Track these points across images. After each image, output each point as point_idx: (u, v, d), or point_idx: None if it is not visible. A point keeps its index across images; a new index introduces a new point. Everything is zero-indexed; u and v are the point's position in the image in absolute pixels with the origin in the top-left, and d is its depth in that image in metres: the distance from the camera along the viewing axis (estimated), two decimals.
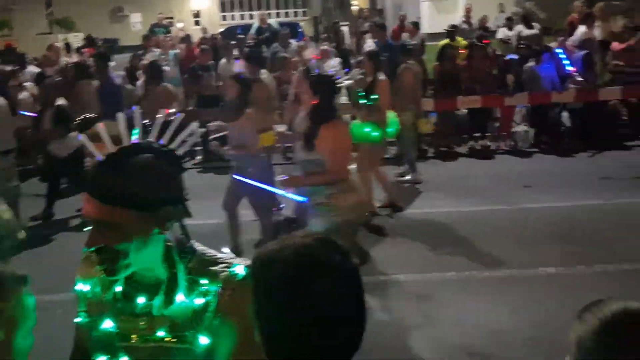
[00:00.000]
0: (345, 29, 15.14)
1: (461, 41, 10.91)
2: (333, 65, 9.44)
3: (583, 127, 9.22)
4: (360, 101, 6.53)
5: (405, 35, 11.43)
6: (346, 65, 9.74)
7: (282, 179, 4.42)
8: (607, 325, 1.16)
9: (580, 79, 8.99)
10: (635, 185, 7.13)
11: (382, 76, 6.58)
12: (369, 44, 9.61)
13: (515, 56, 9.71)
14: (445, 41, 10.71)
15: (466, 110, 9.40)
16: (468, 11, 13.42)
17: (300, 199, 4.24)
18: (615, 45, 9.67)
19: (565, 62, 9.14)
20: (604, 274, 4.96)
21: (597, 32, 10.48)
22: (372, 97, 6.41)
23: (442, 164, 8.78)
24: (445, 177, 7.99)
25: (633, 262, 5.08)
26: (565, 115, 9.46)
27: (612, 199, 6.64)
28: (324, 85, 4.42)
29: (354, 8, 27.03)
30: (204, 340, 1.46)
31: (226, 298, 1.46)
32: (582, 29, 10.38)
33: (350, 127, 5.42)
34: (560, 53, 9.21)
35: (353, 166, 4.43)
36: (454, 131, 9.49)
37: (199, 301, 1.47)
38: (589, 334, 1.17)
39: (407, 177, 7.85)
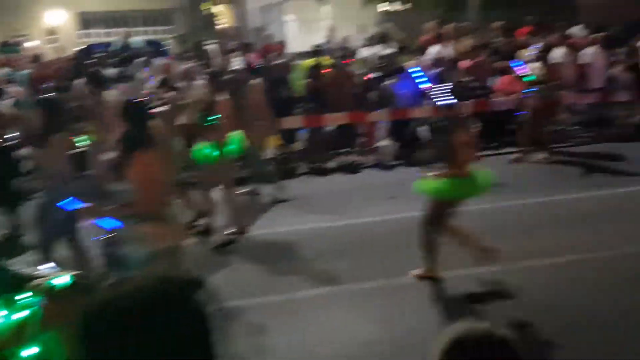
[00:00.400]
0: (213, 48, 14.98)
1: (326, 60, 11.22)
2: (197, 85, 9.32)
3: None
4: (203, 122, 6.50)
5: (272, 55, 11.54)
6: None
7: (79, 207, 4.18)
8: (453, 345, 1.22)
9: (433, 94, 9.61)
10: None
11: (222, 96, 6.58)
12: (236, 63, 9.59)
13: (375, 74, 10.17)
14: (312, 60, 10.96)
15: (335, 127, 9.71)
16: (331, 31, 13.87)
17: (109, 228, 4.04)
18: (464, 63, 10.48)
19: (422, 79, 9.73)
20: (465, 278, 5.29)
21: (449, 51, 11.29)
22: (212, 117, 6.41)
23: (312, 180, 8.95)
24: (314, 192, 8.16)
25: (486, 265, 5.46)
26: (423, 129, 10.06)
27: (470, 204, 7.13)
28: (134, 112, 4.29)
29: (222, 27, 26.96)
30: (31, 351, 1.47)
31: (50, 308, 1.48)
32: (435, 48, 11.14)
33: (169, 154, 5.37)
34: (418, 71, 9.79)
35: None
36: (324, 147, 9.74)
37: (20, 315, 1.49)
38: (440, 353, 1.22)
39: (258, 194, 8.01)
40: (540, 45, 9.31)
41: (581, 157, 9.20)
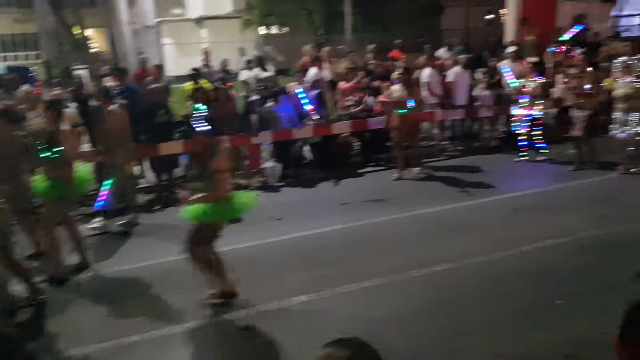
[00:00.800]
0: (83, 73, 14.31)
1: (204, 83, 11.09)
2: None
3: (322, 158, 10.12)
4: (42, 154, 6.01)
5: (149, 79, 11.21)
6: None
7: None
8: None
9: (316, 116, 9.87)
10: (368, 207, 8.01)
11: (66, 125, 6.18)
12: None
13: (256, 97, 10.20)
14: (190, 84, 10.78)
15: None
16: (207, 54, 13.76)
17: None
18: (342, 85, 10.82)
19: (304, 100, 9.92)
20: (351, 294, 5.40)
21: (326, 73, 11.61)
22: (55, 149, 5.95)
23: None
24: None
25: (372, 278, 5.63)
26: (306, 149, 10.27)
27: (352, 221, 7.34)
28: None
29: (93, 51, 25.82)
30: None
31: None
32: (313, 71, 11.40)
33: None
34: (300, 92, 9.96)
35: None
36: None
37: None
38: None
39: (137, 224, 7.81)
40: (401, 67, 9.83)
41: (452, 170, 9.79)
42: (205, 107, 8.73)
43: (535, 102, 10.04)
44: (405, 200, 8.24)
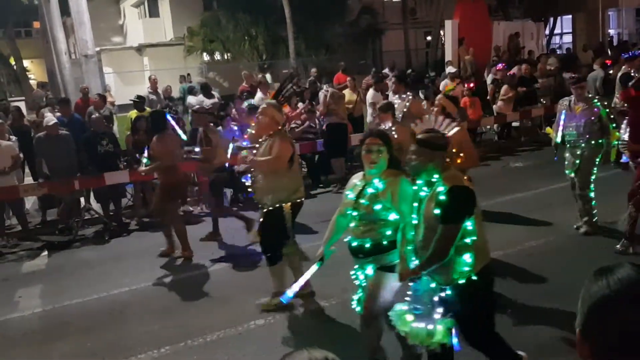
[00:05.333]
0: (21, 105, 13.89)
1: (149, 111, 10.93)
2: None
3: None
4: None
5: (91, 109, 10.97)
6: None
7: None
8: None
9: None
10: (323, 228, 7.97)
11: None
12: (49, 119, 8.92)
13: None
14: (134, 112, 10.61)
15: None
16: (153, 82, 13.58)
17: None
18: (287, 108, 10.87)
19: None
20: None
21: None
22: None
23: (144, 235, 8.57)
24: (142, 250, 7.78)
25: (329, 299, 5.59)
26: None
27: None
28: None
29: (32, 82, 25.11)
30: None
31: None
32: (259, 95, 11.43)
33: None
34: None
35: None
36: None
37: None
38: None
39: None
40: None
41: None
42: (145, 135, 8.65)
43: None
44: None
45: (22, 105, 13.61)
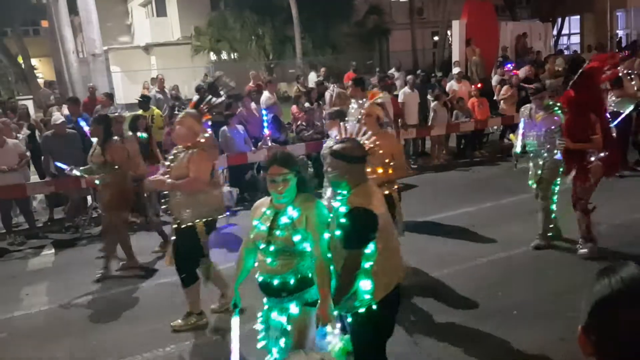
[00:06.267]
0: (29, 103, 13.97)
1: (155, 110, 10.97)
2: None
3: None
4: None
5: (98, 107, 11.01)
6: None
7: None
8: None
9: (269, 140, 9.86)
10: None
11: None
12: (57, 117, 8.96)
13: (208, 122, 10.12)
14: (139, 112, 10.64)
15: None
16: (160, 81, 13.61)
17: None
18: (294, 109, 10.88)
19: (264, 124, 9.93)
20: None
21: (275, 98, 11.65)
22: None
23: (150, 234, 8.57)
24: (149, 247, 7.79)
25: None
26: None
27: None
28: None
29: (40, 81, 25.21)
30: None
31: None
32: (266, 94, 11.43)
33: None
34: (265, 114, 9.96)
35: None
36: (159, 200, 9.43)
37: None
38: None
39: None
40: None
41: (407, 188, 9.92)
42: (145, 135, 8.67)
43: None
44: None
45: (30, 104, 13.68)
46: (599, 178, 6.00)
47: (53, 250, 8.14)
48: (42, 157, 9.15)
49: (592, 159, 5.91)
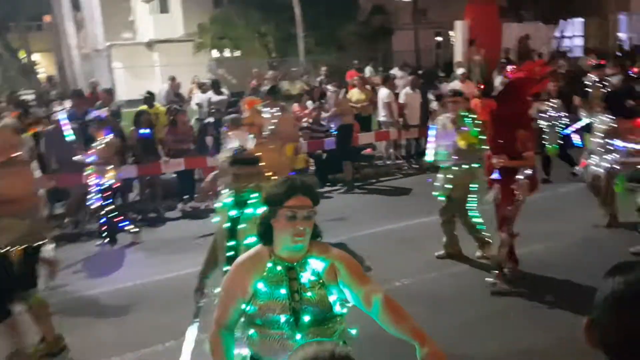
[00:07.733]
0: (30, 98, 13.98)
1: (160, 108, 10.94)
2: None
3: None
4: None
5: (98, 103, 10.99)
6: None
7: None
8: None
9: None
10: (328, 226, 7.95)
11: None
12: (59, 113, 8.96)
13: (211, 119, 10.14)
14: (143, 107, 10.61)
15: (174, 174, 9.58)
16: (177, 86, 13.42)
17: None
18: (296, 107, 10.87)
19: None
20: None
21: None
22: None
23: (151, 230, 8.59)
24: (150, 241, 7.81)
25: None
26: None
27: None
28: None
29: (41, 76, 25.22)
30: None
31: None
32: None
33: None
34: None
35: None
36: (161, 196, 9.49)
37: None
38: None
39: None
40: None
41: (409, 188, 9.94)
42: (148, 131, 8.68)
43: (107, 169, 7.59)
44: (362, 219, 8.28)
45: (31, 99, 13.69)
46: (526, 197, 5.47)
47: (54, 245, 8.11)
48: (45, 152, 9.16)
49: (519, 176, 5.38)
